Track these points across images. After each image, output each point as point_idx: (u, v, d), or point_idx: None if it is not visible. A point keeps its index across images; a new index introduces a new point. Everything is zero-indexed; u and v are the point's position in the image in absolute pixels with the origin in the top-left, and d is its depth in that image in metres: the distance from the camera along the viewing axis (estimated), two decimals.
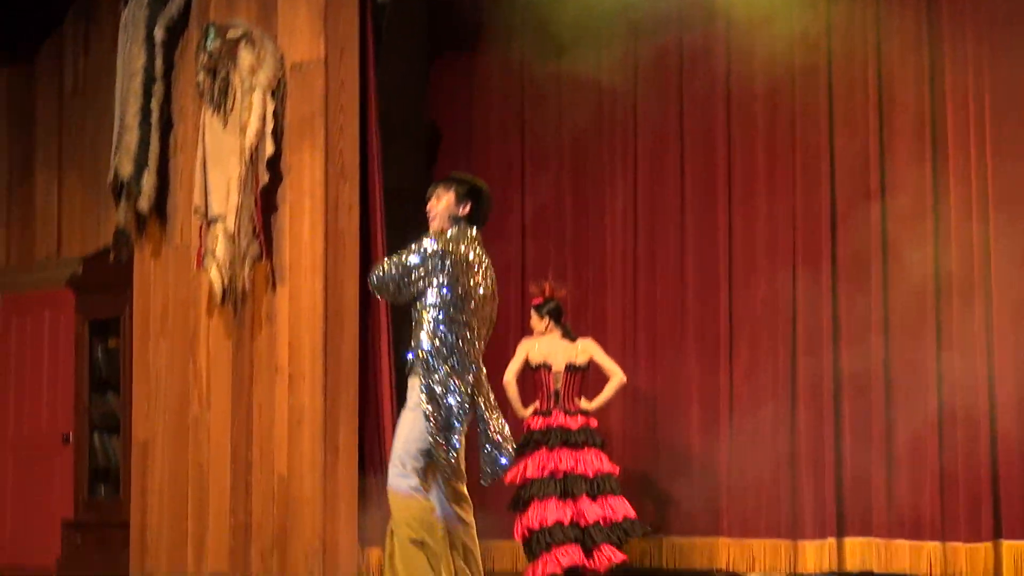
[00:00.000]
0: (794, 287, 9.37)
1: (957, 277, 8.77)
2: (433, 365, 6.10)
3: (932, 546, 8.57)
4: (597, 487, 8.78)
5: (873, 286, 9.06)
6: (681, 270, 9.85)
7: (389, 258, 6.23)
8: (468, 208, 6.24)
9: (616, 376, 9.02)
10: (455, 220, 6.22)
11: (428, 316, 6.14)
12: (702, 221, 9.78)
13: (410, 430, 6.16)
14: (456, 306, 6.11)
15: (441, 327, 6.11)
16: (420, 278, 6.09)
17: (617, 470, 8.94)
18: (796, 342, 9.33)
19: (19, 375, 11.49)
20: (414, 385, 6.18)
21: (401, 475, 6.10)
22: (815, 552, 9.07)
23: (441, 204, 6.24)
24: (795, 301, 9.35)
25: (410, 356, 6.23)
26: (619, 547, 8.70)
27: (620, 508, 8.79)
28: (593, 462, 8.84)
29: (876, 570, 8.82)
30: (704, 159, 9.84)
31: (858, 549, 8.91)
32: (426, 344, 6.14)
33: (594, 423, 8.99)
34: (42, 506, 10.99)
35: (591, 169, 10.21)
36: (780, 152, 9.56)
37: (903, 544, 8.67)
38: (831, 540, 9.01)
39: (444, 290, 6.09)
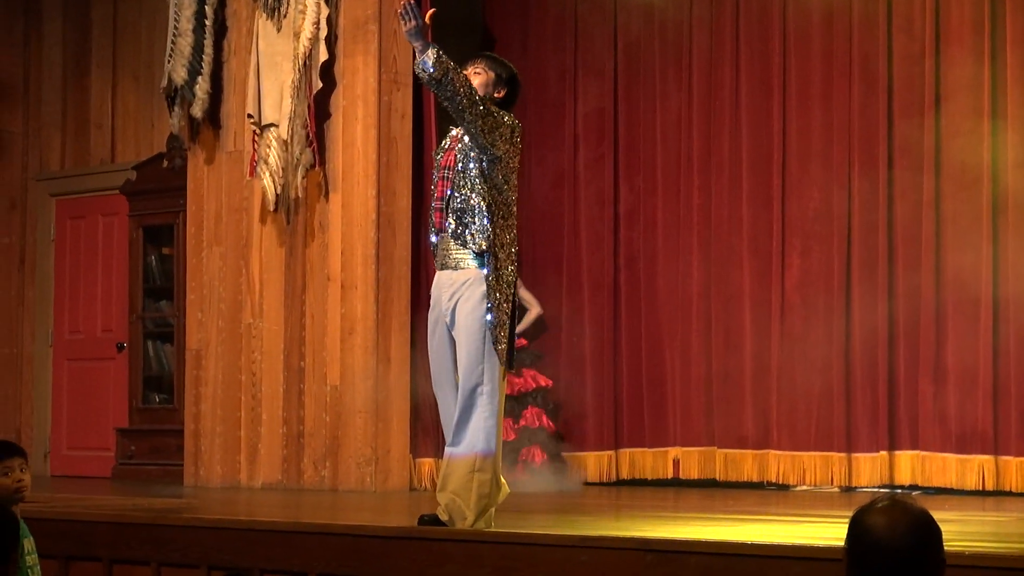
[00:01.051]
0: (849, 199, 9.31)
1: (1014, 191, 8.67)
2: (505, 264, 5.93)
3: (982, 459, 8.53)
4: None
5: (925, 199, 8.96)
6: (735, 179, 9.75)
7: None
8: (504, 93, 6.10)
9: (534, 309, 9.42)
10: (492, 101, 6.02)
11: (501, 199, 5.94)
12: (757, 129, 9.72)
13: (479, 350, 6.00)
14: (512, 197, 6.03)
15: (510, 219, 5.96)
16: (504, 140, 5.83)
17: None
18: (851, 255, 9.27)
19: (73, 281, 11.57)
20: (477, 287, 5.96)
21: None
22: (868, 465, 9.10)
23: (479, 80, 6.03)
24: (850, 213, 9.30)
25: (470, 249, 5.94)
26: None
27: None
28: None
29: (922, 484, 8.84)
30: (759, 66, 9.76)
31: (907, 463, 8.95)
32: (499, 236, 5.93)
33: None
34: (96, 414, 11.11)
35: (644, 76, 10.11)
36: (836, 59, 9.44)
37: (952, 458, 8.66)
38: (883, 454, 9.04)
39: (514, 176, 5.98)
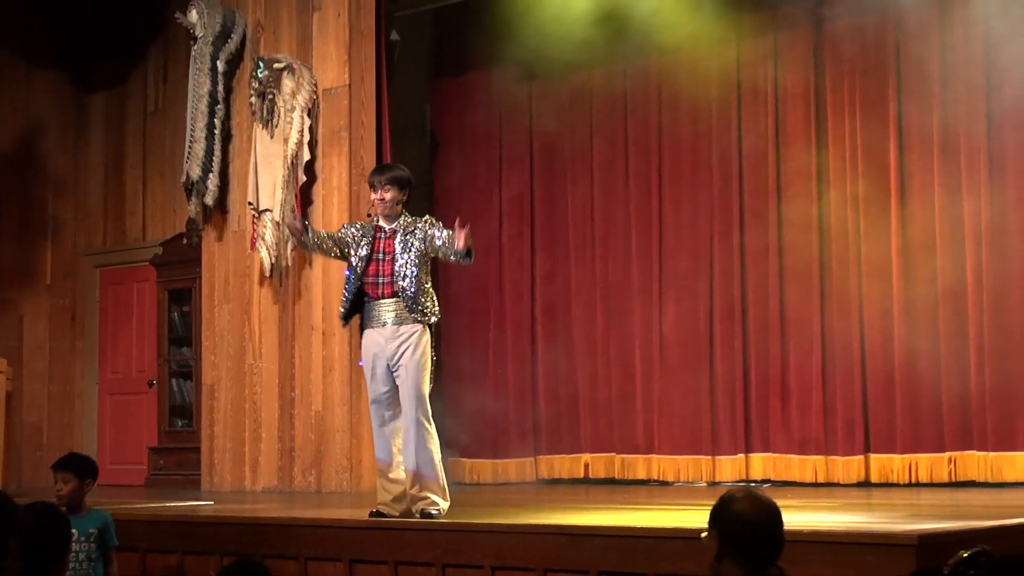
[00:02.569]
0: (711, 261, 9.23)
1: (836, 252, 8.71)
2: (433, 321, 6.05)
3: (816, 459, 8.52)
4: None
5: (771, 259, 8.94)
6: (626, 247, 9.66)
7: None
8: (407, 194, 6.13)
9: None
10: (400, 204, 6.08)
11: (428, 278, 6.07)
12: (641, 209, 9.62)
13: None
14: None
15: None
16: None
17: None
18: (713, 302, 9.20)
19: (114, 334, 11.49)
20: (421, 334, 5.99)
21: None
22: (729, 465, 9.02)
23: (390, 195, 6.02)
24: (712, 272, 9.22)
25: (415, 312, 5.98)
26: None
27: None
28: None
29: (773, 479, 8.79)
30: (643, 160, 9.64)
31: (760, 462, 8.89)
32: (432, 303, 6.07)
33: None
34: (132, 436, 11.03)
35: (556, 168, 10.04)
36: (700, 153, 9.37)
37: (794, 458, 8.66)
38: (741, 456, 8.99)
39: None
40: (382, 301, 5.98)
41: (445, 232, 5.94)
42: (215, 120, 9.50)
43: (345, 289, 6.15)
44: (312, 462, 8.98)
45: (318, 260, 9.03)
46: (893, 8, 8.49)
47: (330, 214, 9.02)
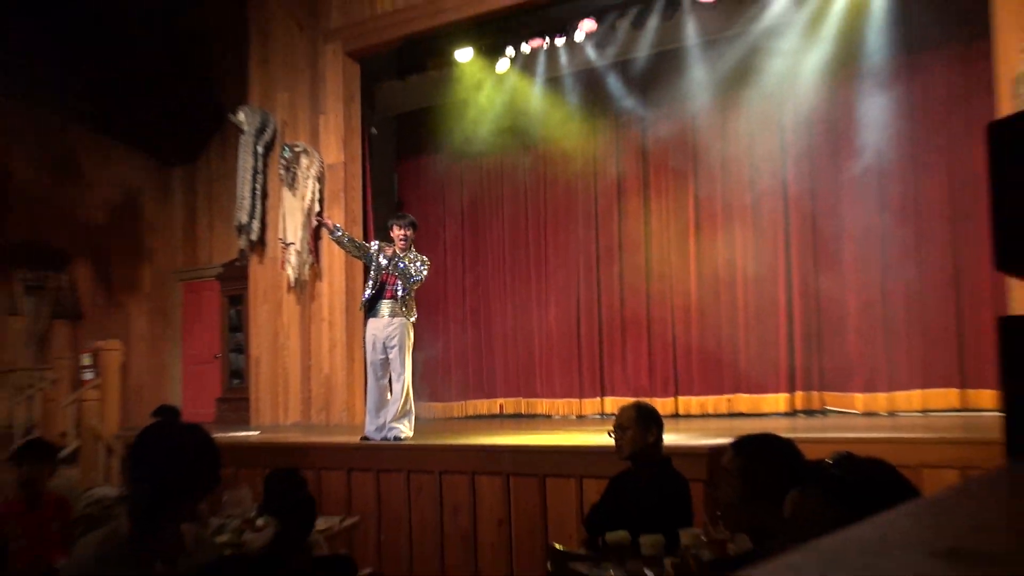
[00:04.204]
0: (578, 280, 9.16)
1: (656, 291, 8.70)
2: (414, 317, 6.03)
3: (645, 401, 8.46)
4: None
5: (614, 278, 8.91)
6: (526, 272, 9.57)
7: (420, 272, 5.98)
8: (413, 232, 6.04)
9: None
10: (411, 242, 6.02)
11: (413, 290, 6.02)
12: (534, 245, 9.54)
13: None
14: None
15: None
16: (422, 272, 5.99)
17: None
18: (579, 304, 9.15)
19: (191, 326, 11.48)
20: (406, 329, 5.93)
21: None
22: (590, 405, 9.01)
23: (409, 232, 5.98)
24: (578, 286, 9.16)
25: (403, 311, 5.96)
26: None
27: None
28: None
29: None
30: (535, 215, 9.55)
31: (610, 403, 8.83)
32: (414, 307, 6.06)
33: None
34: (205, 391, 11.00)
35: (479, 219, 9.93)
36: (571, 213, 9.28)
37: (630, 399, 8.53)
38: (598, 399, 8.98)
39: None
40: (385, 300, 5.97)
41: (422, 272, 5.97)
42: (256, 185, 9.47)
43: (369, 288, 6.05)
44: (323, 406, 8.96)
45: (325, 276, 9.05)
46: (690, 116, 8.62)
47: (332, 246, 8.89)
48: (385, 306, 5.97)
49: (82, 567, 1.90)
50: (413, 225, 6.06)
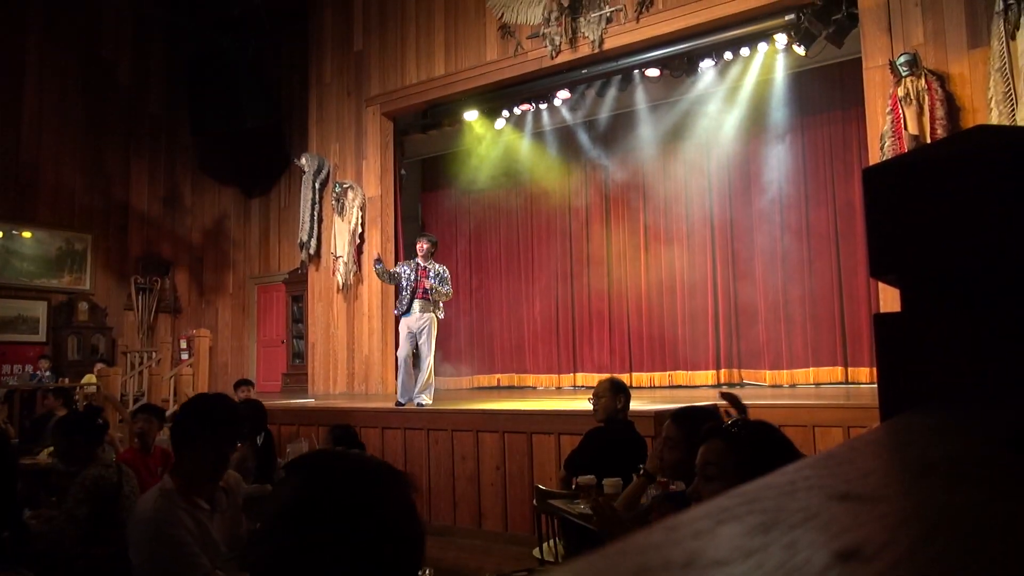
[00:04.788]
0: (556, 285, 9.03)
1: (616, 275, 8.64)
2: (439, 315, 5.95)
3: (603, 375, 8.17)
4: None
5: (584, 284, 8.76)
6: (516, 274, 9.42)
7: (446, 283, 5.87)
8: (434, 249, 6.00)
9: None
10: (431, 254, 5.96)
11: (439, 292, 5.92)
12: (523, 257, 9.38)
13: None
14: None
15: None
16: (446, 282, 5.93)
17: None
18: (558, 303, 9.01)
19: (264, 317, 11.35)
20: (432, 320, 5.83)
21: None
22: (567, 379, 8.87)
23: (427, 246, 5.91)
24: (557, 290, 9.04)
25: (432, 308, 5.90)
26: None
27: None
28: None
29: (584, 385, 8.51)
30: (524, 235, 9.40)
31: (581, 378, 8.73)
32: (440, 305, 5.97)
33: None
34: (274, 367, 10.77)
35: (483, 234, 9.87)
36: (552, 234, 9.20)
37: (596, 375, 8.30)
38: (571, 374, 8.84)
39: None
40: (417, 300, 5.88)
41: (443, 287, 5.87)
42: (314, 212, 9.37)
43: (403, 292, 5.95)
44: (363, 379, 8.87)
45: (365, 280, 8.96)
46: (641, 162, 8.61)
47: (370, 259, 8.90)
48: (417, 304, 5.89)
49: (142, 517, 1.86)
50: (431, 241, 6.01)
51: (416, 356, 6.02)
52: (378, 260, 6.12)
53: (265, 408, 4.49)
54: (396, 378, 6.33)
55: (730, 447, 1.56)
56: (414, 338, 5.91)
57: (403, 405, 5.98)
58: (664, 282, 8.40)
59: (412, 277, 5.97)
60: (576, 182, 9.18)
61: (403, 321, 6.05)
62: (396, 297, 6.26)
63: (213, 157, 11.18)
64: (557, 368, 9.05)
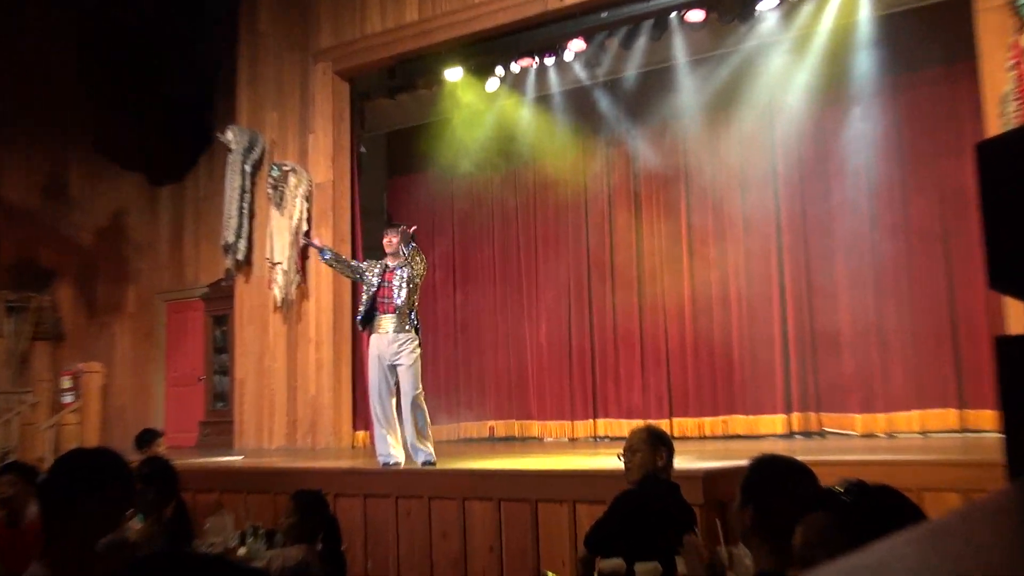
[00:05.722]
0: (568, 297, 9.11)
1: (648, 287, 8.67)
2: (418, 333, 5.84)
3: (637, 422, 8.14)
4: None
5: (607, 295, 8.83)
6: (518, 289, 9.53)
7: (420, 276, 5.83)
8: (404, 243, 5.79)
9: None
10: (401, 248, 5.80)
11: (416, 301, 5.82)
12: (524, 261, 9.50)
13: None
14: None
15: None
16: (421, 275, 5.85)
17: None
18: (570, 322, 9.06)
19: (176, 346, 11.40)
20: (411, 339, 5.74)
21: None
22: (582, 427, 8.89)
23: (396, 240, 5.81)
24: (569, 304, 9.09)
25: (408, 326, 5.76)
26: None
27: None
28: None
29: (611, 436, 8.57)
30: (526, 232, 9.50)
31: (603, 425, 8.76)
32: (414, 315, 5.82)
33: None
34: (188, 413, 10.90)
35: (469, 237, 9.92)
36: (562, 229, 9.26)
37: (624, 422, 8.45)
38: (591, 420, 8.85)
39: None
40: (385, 315, 5.78)
41: (420, 267, 5.82)
42: (244, 204, 9.41)
43: (363, 304, 5.90)
44: (308, 429, 8.85)
45: (312, 295, 8.98)
46: (681, 135, 8.64)
47: (319, 266, 8.80)
48: (388, 321, 5.78)
49: None
50: (402, 234, 5.85)
51: (398, 391, 5.89)
52: (325, 248, 6.04)
53: (175, 469, 4.38)
54: (371, 429, 6.22)
55: (843, 523, 1.54)
56: (391, 368, 5.80)
57: (390, 464, 5.79)
58: (715, 297, 8.42)
59: (375, 281, 5.86)
60: (595, 164, 9.22)
61: (371, 342, 5.95)
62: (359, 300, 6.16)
63: (110, 132, 11.16)
64: (571, 413, 9.06)
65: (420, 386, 5.78)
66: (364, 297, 5.92)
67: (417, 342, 5.80)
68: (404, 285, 5.77)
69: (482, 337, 9.75)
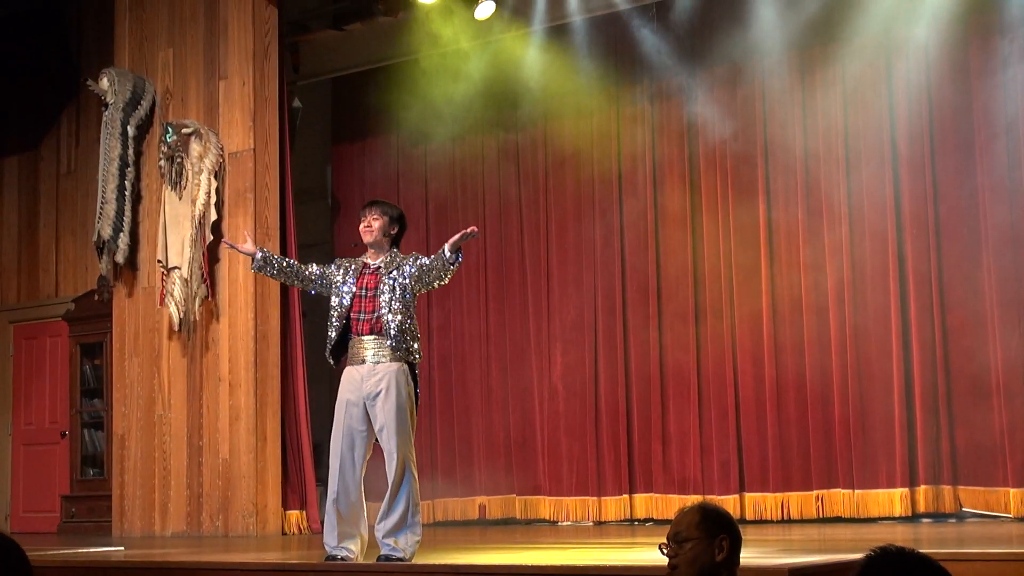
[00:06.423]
0: (595, 317, 9.16)
1: (710, 298, 8.69)
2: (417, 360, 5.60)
3: (695, 498, 8.10)
4: None
5: (651, 313, 8.91)
6: (522, 299, 9.56)
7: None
8: (397, 230, 5.68)
9: None
10: (388, 238, 5.67)
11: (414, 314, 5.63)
12: (531, 264, 9.55)
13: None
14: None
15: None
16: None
17: None
18: (597, 354, 9.13)
19: (27, 386, 11.36)
20: (401, 371, 5.48)
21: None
22: (613, 505, 8.91)
23: (379, 223, 5.60)
24: (596, 326, 9.16)
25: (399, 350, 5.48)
26: None
27: None
28: None
29: (656, 518, 8.64)
30: (532, 221, 9.62)
31: (642, 502, 8.81)
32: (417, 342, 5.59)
33: None
34: (45, 485, 10.89)
35: (450, 228, 9.46)
36: (585, 217, 9.32)
37: (674, 498, 8.49)
38: (625, 496, 8.88)
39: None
40: (363, 338, 5.51)
41: (432, 271, 5.54)
42: (125, 182, 9.43)
43: (332, 327, 5.64)
44: (219, 507, 8.86)
45: (224, 315, 9.05)
46: (757, 83, 8.69)
47: (236, 271, 8.96)
48: (367, 346, 5.53)
49: None
50: (386, 212, 5.70)
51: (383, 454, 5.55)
52: (260, 250, 5.85)
53: (28, 560, 4.35)
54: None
55: None
56: (364, 414, 5.57)
57: (338, 559, 5.49)
58: (807, 323, 8.47)
59: (349, 291, 5.74)
60: (633, 129, 9.27)
61: (343, 377, 5.79)
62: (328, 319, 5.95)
63: None
64: (597, 486, 9.12)
65: (411, 443, 5.53)
66: (332, 315, 5.76)
67: (408, 374, 5.54)
68: (394, 294, 5.53)
69: (468, 377, 9.79)
